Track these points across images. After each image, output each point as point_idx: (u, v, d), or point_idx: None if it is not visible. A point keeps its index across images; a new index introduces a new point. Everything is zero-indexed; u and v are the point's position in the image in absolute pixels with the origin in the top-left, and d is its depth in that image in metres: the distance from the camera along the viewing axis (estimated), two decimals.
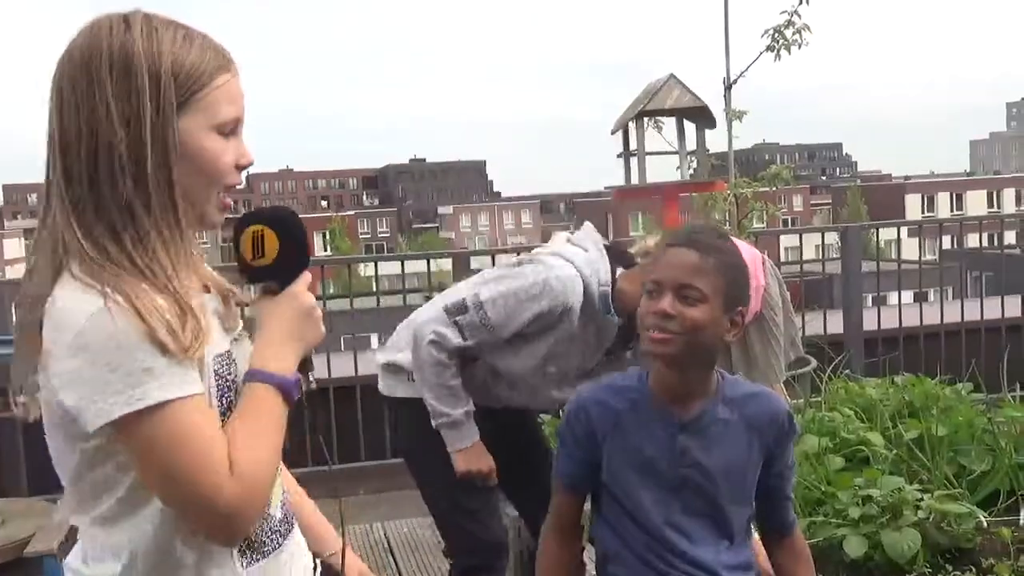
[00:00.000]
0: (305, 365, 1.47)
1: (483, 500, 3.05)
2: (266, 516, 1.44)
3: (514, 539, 3.47)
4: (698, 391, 2.00)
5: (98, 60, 1.32)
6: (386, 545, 4.97)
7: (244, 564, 1.41)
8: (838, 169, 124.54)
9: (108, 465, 1.34)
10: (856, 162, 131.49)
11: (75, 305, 1.28)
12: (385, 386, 3.16)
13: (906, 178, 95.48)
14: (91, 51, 1.33)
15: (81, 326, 1.26)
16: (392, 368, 3.13)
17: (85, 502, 1.38)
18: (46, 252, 1.35)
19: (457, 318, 2.89)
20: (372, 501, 5.39)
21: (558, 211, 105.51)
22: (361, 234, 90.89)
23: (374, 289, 6.88)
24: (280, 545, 1.47)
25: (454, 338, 2.87)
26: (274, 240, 1.46)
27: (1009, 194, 76.36)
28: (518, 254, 6.88)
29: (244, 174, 1.49)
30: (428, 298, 7.18)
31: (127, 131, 1.31)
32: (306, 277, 1.49)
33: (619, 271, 2.95)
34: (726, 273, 1.95)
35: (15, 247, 77.24)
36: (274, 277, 1.47)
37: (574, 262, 2.93)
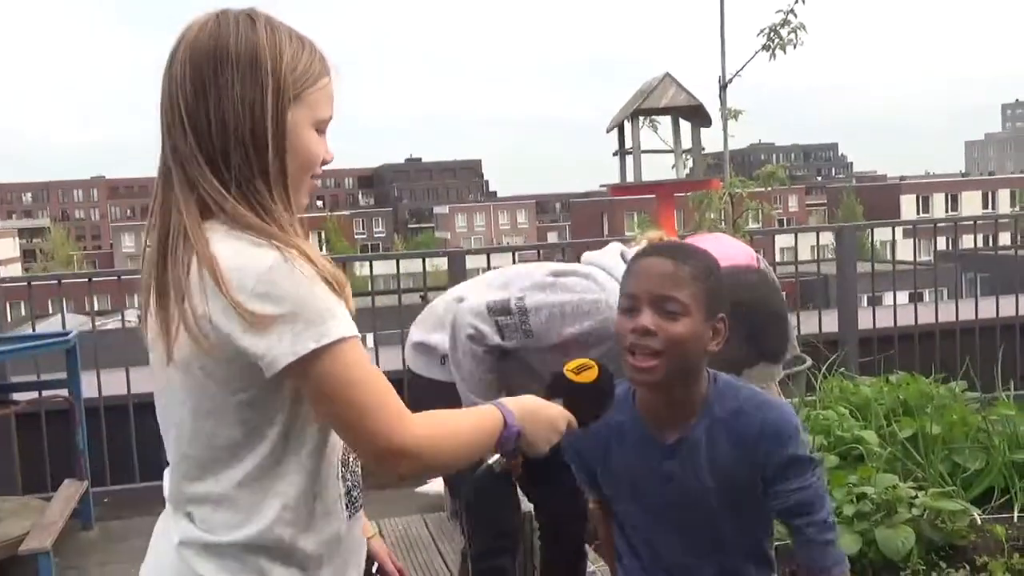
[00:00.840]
0: (514, 453, 1.59)
1: (503, 488, 3.05)
2: (357, 482, 1.60)
3: (528, 532, 3.49)
4: (684, 410, 1.93)
5: (225, 51, 1.45)
6: None
7: (348, 516, 1.56)
8: (833, 169, 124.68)
9: (261, 415, 1.43)
10: (851, 163, 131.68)
11: (250, 255, 1.39)
12: (416, 365, 3.12)
13: (901, 178, 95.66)
14: (219, 41, 1.45)
15: (262, 273, 1.37)
16: (423, 348, 3.10)
17: (220, 464, 1.45)
18: (189, 203, 1.45)
19: (499, 318, 2.86)
20: (366, 498, 5.38)
21: (554, 211, 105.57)
22: (357, 234, 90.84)
23: (369, 288, 6.85)
24: (360, 508, 1.63)
25: (492, 336, 2.85)
26: (595, 372, 1.68)
27: (1004, 195, 76.52)
28: (514, 255, 6.95)
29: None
30: (423, 298, 7.17)
31: (252, 118, 1.44)
32: (572, 425, 1.65)
33: None
34: (704, 280, 1.87)
35: (9, 247, 76.92)
36: (574, 399, 1.66)
37: None
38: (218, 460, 1.46)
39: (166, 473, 1.55)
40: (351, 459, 1.59)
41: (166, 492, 1.56)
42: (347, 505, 1.56)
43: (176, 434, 1.50)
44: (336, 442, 1.53)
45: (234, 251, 1.40)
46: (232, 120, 1.44)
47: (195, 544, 1.47)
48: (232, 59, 1.45)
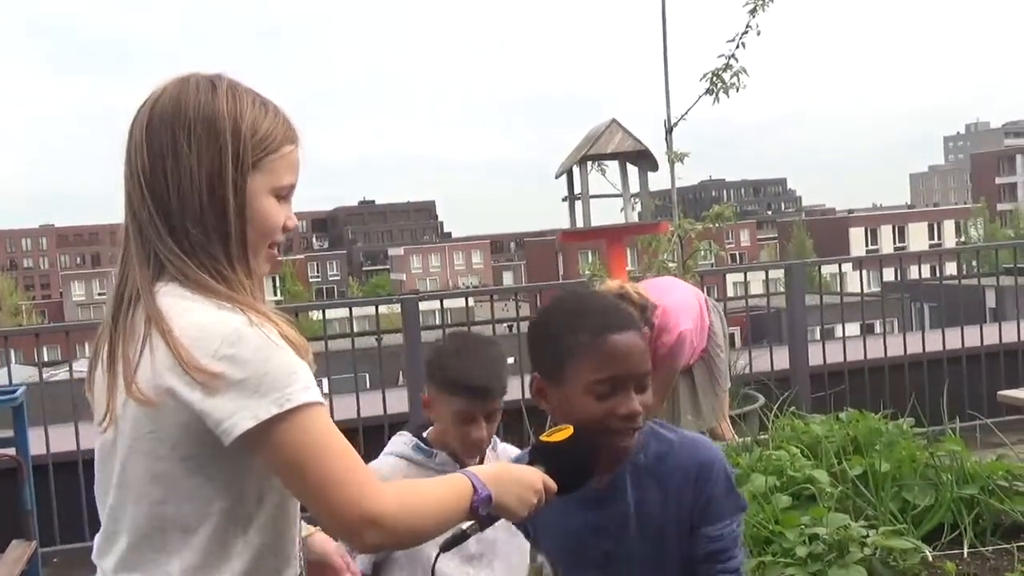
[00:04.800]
0: (488, 519, 1.56)
1: None
2: (302, 558, 1.55)
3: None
4: (611, 456, 1.83)
5: (183, 117, 1.44)
6: None
7: None
8: (783, 204, 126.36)
9: (211, 487, 1.39)
10: (800, 196, 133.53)
11: (215, 318, 1.37)
12: None
13: (849, 211, 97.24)
14: (179, 106, 1.45)
15: (226, 336, 1.35)
16: None
17: (158, 549, 1.40)
18: (143, 266, 1.44)
19: None
20: None
21: (509, 250, 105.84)
22: (311, 278, 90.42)
23: (323, 333, 6.83)
24: None
25: None
26: (569, 432, 1.68)
27: (949, 225, 78.10)
28: (467, 299, 6.96)
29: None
30: (379, 340, 7.11)
31: (209, 185, 1.43)
32: (548, 485, 1.62)
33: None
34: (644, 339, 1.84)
35: None
36: (549, 460, 1.65)
37: None
38: (160, 535, 1.40)
39: (97, 538, 1.49)
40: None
41: (96, 557, 1.49)
42: None
43: (115, 501, 1.44)
44: (296, 522, 1.49)
45: (199, 313, 1.38)
46: (189, 186, 1.43)
47: None
48: (190, 124, 1.44)
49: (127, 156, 1.47)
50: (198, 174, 1.43)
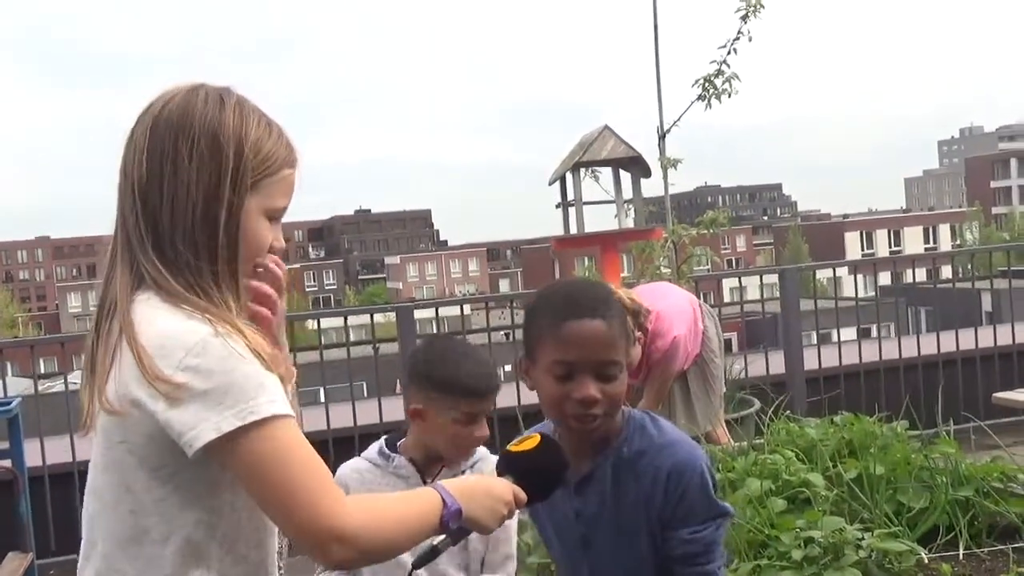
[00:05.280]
0: (459, 532, 1.56)
1: None
2: (282, 567, 1.54)
3: None
4: (597, 444, 1.89)
5: (188, 127, 1.42)
6: None
7: None
8: (779, 209, 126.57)
9: (180, 498, 1.38)
10: (796, 202, 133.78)
11: (182, 328, 1.35)
12: None
13: (845, 216, 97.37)
14: (185, 116, 1.42)
15: (191, 346, 1.33)
16: None
17: (141, 555, 1.39)
18: (124, 274, 1.43)
19: None
20: None
21: (505, 257, 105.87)
22: (308, 287, 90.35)
23: (319, 343, 6.83)
24: None
25: None
26: (536, 441, 1.69)
27: (944, 229, 78.23)
28: (462, 307, 6.95)
29: None
30: (375, 349, 7.11)
31: (205, 200, 1.41)
32: (518, 496, 1.61)
33: None
34: (623, 325, 1.87)
35: None
36: (517, 470, 1.65)
37: None
38: (135, 545, 1.40)
39: (82, 546, 1.49)
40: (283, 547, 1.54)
41: (80, 566, 1.50)
42: None
43: (92, 509, 1.44)
44: (273, 532, 1.48)
45: (166, 322, 1.36)
46: (184, 200, 1.40)
47: None
48: (194, 136, 1.41)
49: (124, 158, 1.45)
50: (195, 189, 1.40)
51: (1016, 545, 4.15)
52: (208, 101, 1.44)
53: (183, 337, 1.34)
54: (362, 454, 2.55)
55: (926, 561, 3.90)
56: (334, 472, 2.49)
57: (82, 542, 1.49)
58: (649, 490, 1.85)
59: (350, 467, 2.50)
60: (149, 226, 1.42)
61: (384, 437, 2.54)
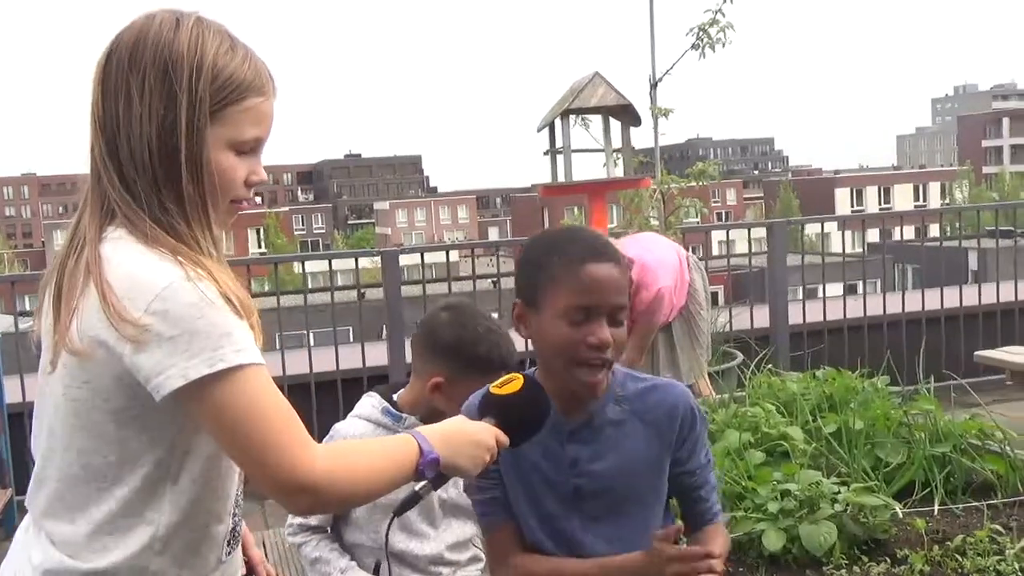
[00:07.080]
0: (439, 479, 1.53)
1: None
2: (240, 515, 1.53)
3: None
4: (588, 390, 1.86)
5: (139, 55, 1.35)
6: None
7: (226, 553, 1.49)
8: (770, 164, 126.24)
9: (141, 440, 1.36)
10: (787, 157, 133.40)
11: (151, 270, 1.31)
12: None
13: (836, 172, 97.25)
14: (136, 47, 1.36)
15: (160, 290, 1.29)
16: None
17: (84, 496, 1.38)
18: (95, 210, 1.39)
19: None
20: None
21: (495, 205, 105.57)
22: (296, 230, 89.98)
23: (303, 286, 6.80)
24: (239, 541, 1.56)
25: None
26: (520, 382, 1.67)
27: (934, 187, 78.28)
28: (448, 253, 6.93)
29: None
30: (361, 295, 7.06)
31: (160, 133, 1.35)
32: (500, 440, 1.59)
33: None
34: (627, 271, 1.87)
35: None
36: (499, 412, 1.63)
37: None
38: (86, 484, 1.38)
39: (31, 482, 1.47)
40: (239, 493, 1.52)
41: (28, 501, 1.47)
42: (228, 541, 1.50)
43: (47, 445, 1.42)
44: (231, 477, 1.46)
45: (136, 263, 1.33)
46: (138, 135, 1.35)
47: (55, 572, 1.39)
48: (144, 68, 1.35)
49: (92, 92, 1.40)
50: (148, 124, 1.35)
51: (991, 502, 4.19)
52: (162, 25, 1.37)
53: (152, 279, 1.31)
54: (359, 413, 2.46)
55: (901, 516, 3.93)
56: (327, 431, 2.47)
57: (32, 479, 1.46)
58: (659, 426, 1.89)
59: (356, 430, 2.39)
60: (113, 162, 1.37)
61: (376, 393, 2.47)
